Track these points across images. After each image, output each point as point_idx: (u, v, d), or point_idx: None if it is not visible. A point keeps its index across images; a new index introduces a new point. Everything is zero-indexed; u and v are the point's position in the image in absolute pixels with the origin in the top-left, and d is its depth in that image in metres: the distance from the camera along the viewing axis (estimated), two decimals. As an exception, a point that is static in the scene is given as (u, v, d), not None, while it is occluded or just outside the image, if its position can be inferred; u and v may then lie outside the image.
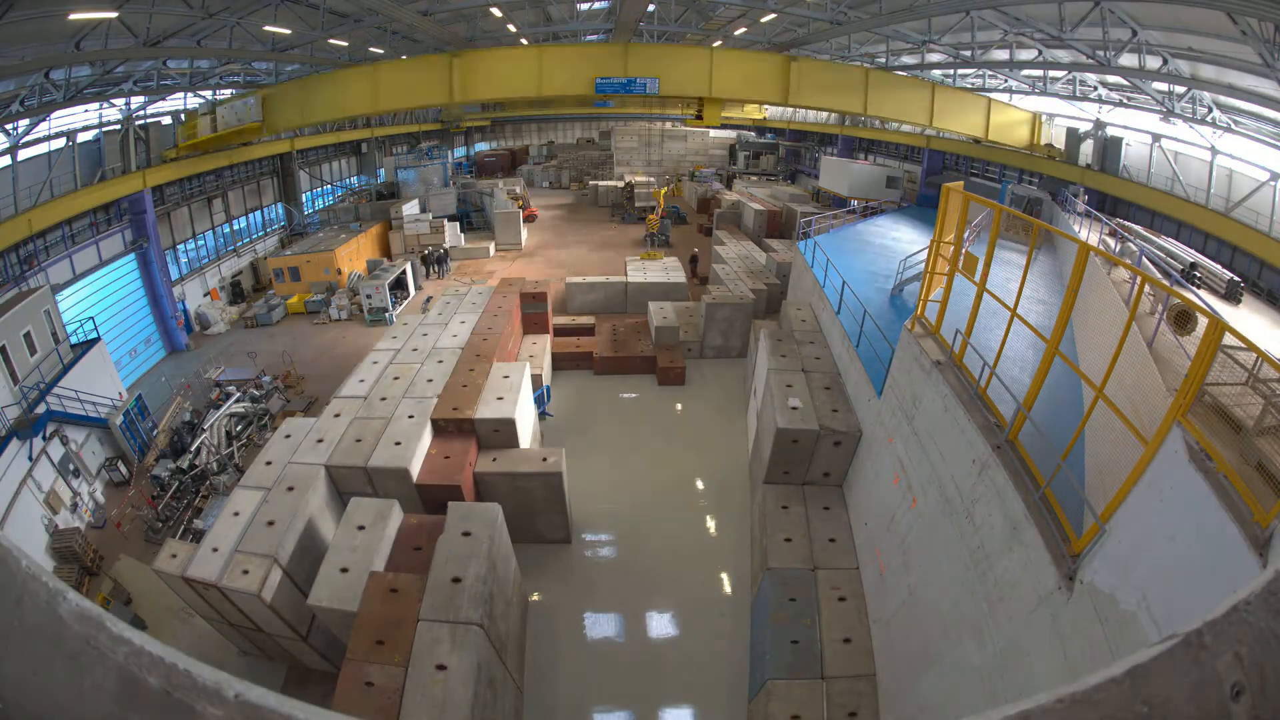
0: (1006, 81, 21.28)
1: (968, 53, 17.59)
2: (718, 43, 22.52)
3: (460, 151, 53.16)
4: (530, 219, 37.82)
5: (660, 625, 10.29)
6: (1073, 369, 6.22)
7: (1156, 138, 18.35)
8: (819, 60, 21.00)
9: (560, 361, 17.66)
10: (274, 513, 9.01)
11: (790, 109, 43.64)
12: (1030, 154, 22.90)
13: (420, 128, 46.50)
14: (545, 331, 17.63)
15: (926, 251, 9.60)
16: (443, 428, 11.16)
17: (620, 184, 41.89)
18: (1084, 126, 20.92)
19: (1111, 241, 15.25)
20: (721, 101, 21.07)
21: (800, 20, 18.40)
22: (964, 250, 8.34)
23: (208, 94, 23.48)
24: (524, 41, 22.84)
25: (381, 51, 21.45)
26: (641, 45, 19.76)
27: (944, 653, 6.79)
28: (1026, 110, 22.66)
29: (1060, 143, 21.95)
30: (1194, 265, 13.43)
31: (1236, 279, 12.90)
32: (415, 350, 13.56)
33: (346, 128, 37.38)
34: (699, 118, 20.72)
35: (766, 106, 48.70)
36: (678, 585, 10.88)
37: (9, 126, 16.56)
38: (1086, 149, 20.74)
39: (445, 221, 31.59)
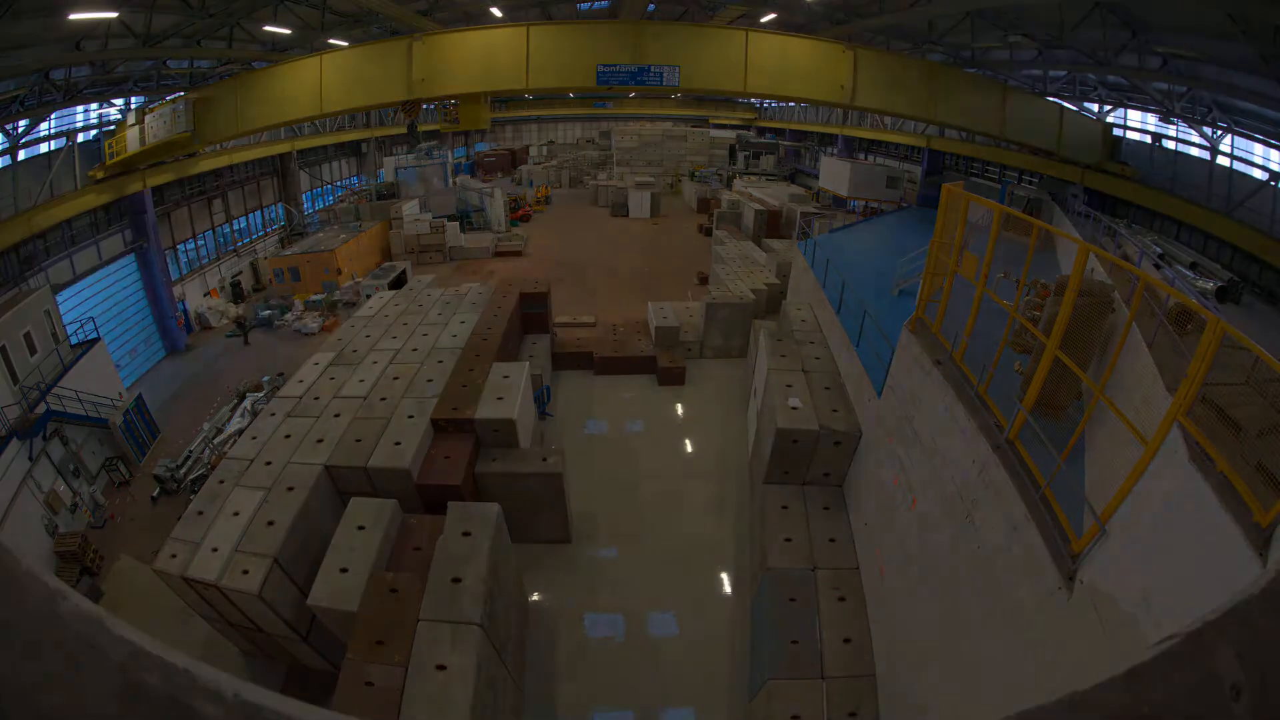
0: (1006, 82, 21.28)
1: (968, 53, 17.58)
2: (769, 16, 18.06)
3: (460, 151, 53.16)
4: (525, 218, 37.96)
5: (660, 625, 10.28)
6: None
7: (1157, 138, 18.35)
8: (881, 51, 17.36)
9: (560, 361, 17.65)
10: (274, 513, 9.01)
11: (792, 106, 43.65)
12: (1097, 171, 19.23)
13: (398, 130, 41.60)
14: (545, 331, 17.62)
15: (926, 252, 9.60)
16: (443, 428, 11.16)
17: (619, 183, 41.98)
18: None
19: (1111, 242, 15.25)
20: (482, 98, 16.82)
21: (799, 21, 18.40)
22: (964, 250, 8.34)
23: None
24: (497, 11, 19.09)
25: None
26: (658, 24, 16.26)
27: (944, 653, 6.79)
28: (1095, 120, 19.44)
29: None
30: (1193, 264, 13.45)
31: (1236, 279, 12.91)
32: (415, 350, 13.56)
33: (346, 127, 37.35)
34: (456, 122, 17.15)
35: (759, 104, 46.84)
36: (678, 585, 10.88)
37: (9, 126, 16.57)
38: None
39: (445, 221, 31.63)
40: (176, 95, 17.88)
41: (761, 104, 48.48)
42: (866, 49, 16.50)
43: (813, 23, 17.78)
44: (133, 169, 19.87)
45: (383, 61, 15.54)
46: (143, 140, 17.92)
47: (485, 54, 15.51)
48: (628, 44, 15.04)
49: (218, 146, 24.29)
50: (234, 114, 17.10)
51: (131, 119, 18.48)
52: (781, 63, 15.96)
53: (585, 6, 22.08)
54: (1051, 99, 19.25)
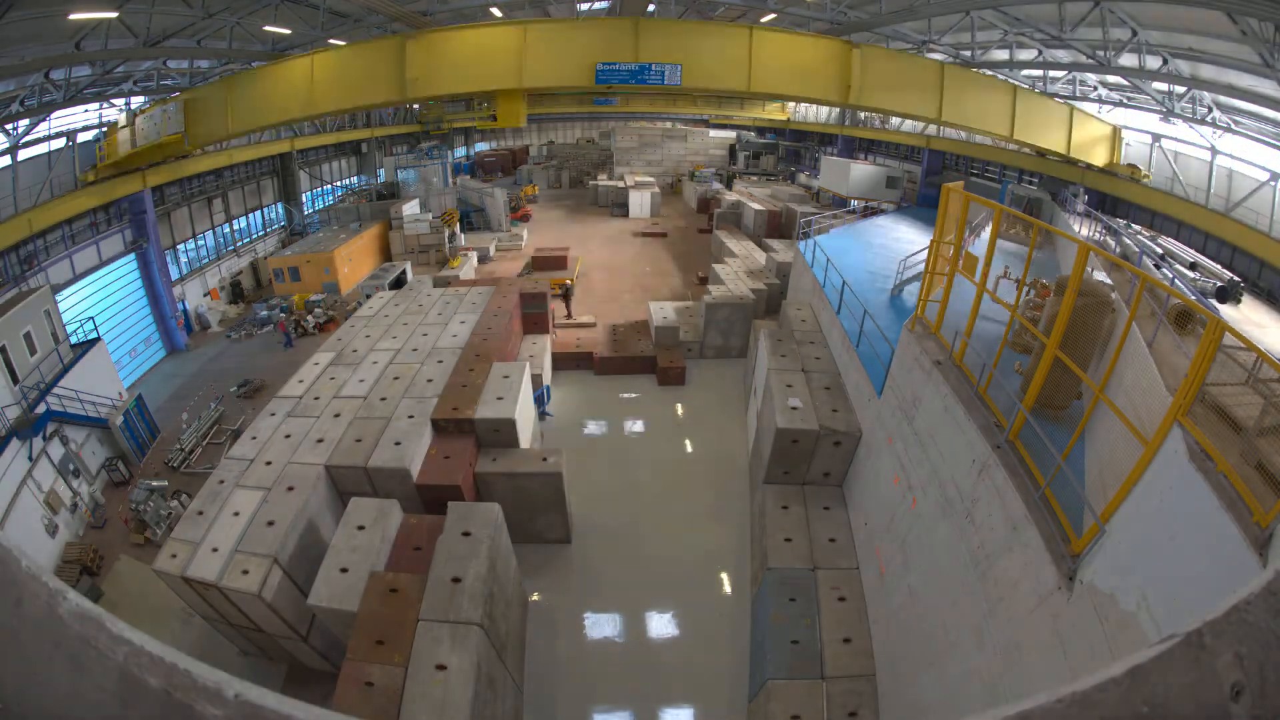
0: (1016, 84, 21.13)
1: (968, 53, 17.58)
2: (769, 16, 17.48)
3: (460, 151, 53.17)
4: (525, 218, 37.96)
5: (660, 625, 10.29)
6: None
7: (1156, 138, 18.35)
8: (886, 49, 17.24)
9: (560, 361, 17.66)
10: (274, 513, 9.01)
11: (794, 108, 43.48)
12: (1113, 175, 19.26)
13: (398, 129, 43.12)
14: (545, 331, 17.63)
15: (926, 252, 9.60)
16: (443, 428, 11.16)
17: (619, 183, 41.99)
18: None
19: (1111, 241, 15.26)
20: (520, 95, 15.89)
21: (799, 20, 18.38)
22: (964, 250, 8.35)
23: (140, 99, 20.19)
24: (497, 11, 17.74)
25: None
26: (658, 21, 15.55)
27: (944, 653, 6.79)
28: (1107, 123, 19.37)
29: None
30: (1193, 265, 13.45)
31: (1236, 279, 12.91)
32: (415, 350, 13.57)
33: (346, 127, 37.33)
34: (493, 119, 16.24)
35: (790, 106, 43.32)
36: (678, 585, 10.89)
37: (9, 126, 16.55)
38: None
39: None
40: (168, 96, 18.07)
41: (797, 106, 43.69)
42: (872, 47, 16.47)
43: (811, 22, 17.78)
44: (127, 171, 19.79)
45: (375, 61, 15.18)
46: (134, 142, 18.06)
47: (480, 53, 15.02)
48: (627, 42, 14.70)
49: (219, 146, 24.31)
50: (224, 115, 17.03)
51: (123, 120, 18.65)
52: (787, 61, 15.69)
53: (585, 8, 22.04)
54: (1060, 100, 19.14)
